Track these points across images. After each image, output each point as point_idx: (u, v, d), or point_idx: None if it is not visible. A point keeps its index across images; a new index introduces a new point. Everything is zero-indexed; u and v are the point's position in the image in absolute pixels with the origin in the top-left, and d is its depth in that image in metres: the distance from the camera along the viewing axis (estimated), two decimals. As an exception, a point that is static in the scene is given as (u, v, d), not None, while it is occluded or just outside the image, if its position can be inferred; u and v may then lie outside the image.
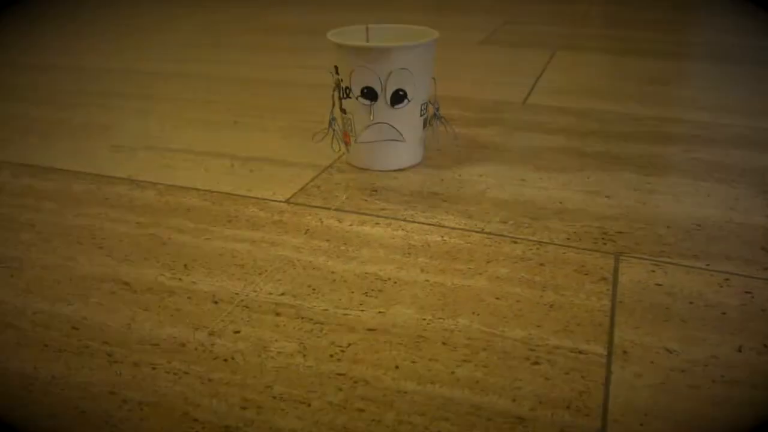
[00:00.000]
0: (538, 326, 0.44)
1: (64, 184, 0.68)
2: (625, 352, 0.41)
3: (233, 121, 0.86)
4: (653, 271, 0.50)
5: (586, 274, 0.50)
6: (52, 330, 0.44)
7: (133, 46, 1.33)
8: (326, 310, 0.46)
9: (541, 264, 0.51)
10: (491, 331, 0.43)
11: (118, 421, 0.36)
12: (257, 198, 0.64)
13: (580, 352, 0.41)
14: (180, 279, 0.50)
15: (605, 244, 0.54)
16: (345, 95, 0.66)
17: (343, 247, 0.54)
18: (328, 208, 0.61)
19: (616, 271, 0.50)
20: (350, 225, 0.58)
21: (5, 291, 0.49)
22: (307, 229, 0.57)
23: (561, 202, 0.62)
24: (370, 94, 0.65)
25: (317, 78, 1.06)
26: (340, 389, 0.39)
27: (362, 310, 0.46)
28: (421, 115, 0.68)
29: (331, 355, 0.41)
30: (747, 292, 0.47)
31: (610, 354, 0.41)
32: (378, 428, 0.36)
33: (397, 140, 0.67)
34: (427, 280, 0.49)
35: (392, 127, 0.66)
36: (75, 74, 1.12)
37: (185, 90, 1.01)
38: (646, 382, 0.39)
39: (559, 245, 0.54)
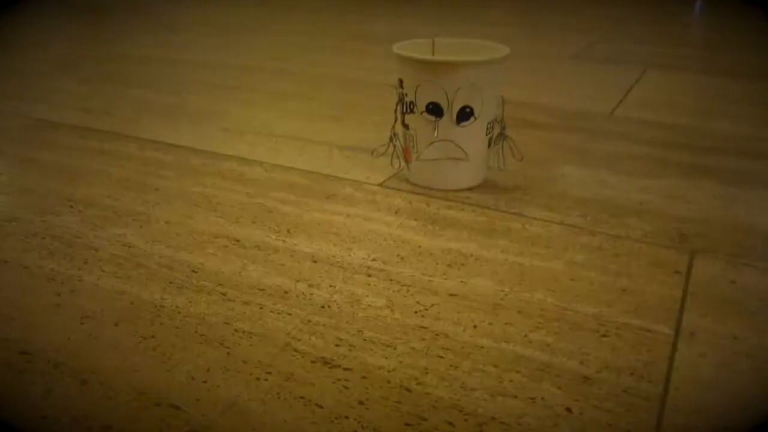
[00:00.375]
0: (609, 306, 0.47)
1: (183, 158, 0.76)
2: (692, 333, 0.44)
3: (331, 115, 0.93)
4: (727, 270, 0.52)
5: (660, 267, 0.52)
6: (174, 271, 0.51)
7: (232, 44, 1.44)
8: (412, 275, 0.51)
9: (616, 255, 0.54)
10: (564, 306, 0.47)
11: (231, 344, 0.42)
12: (353, 180, 0.69)
13: (648, 331, 0.44)
14: (284, 240, 0.56)
15: (682, 242, 0.56)
16: (409, 110, 0.65)
17: (430, 226, 0.59)
18: (418, 193, 0.66)
19: (690, 266, 0.53)
20: (437, 208, 0.63)
21: (136, 238, 0.57)
22: (398, 210, 0.62)
23: (641, 204, 0.64)
24: (435, 109, 0.63)
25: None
26: (423, 339, 0.43)
27: (445, 279, 0.50)
28: (486, 134, 0.66)
29: (416, 312, 0.46)
30: (821, 295, 0.49)
31: (677, 334, 0.44)
32: (455, 372, 0.40)
33: (460, 159, 0.65)
34: (507, 259, 0.53)
35: (456, 145, 0.64)
36: (182, 66, 1.23)
37: (287, 86, 1.09)
38: (709, 361, 0.41)
39: (636, 240, 0.57)
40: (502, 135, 0.68)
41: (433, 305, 0.47)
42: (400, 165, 0.73)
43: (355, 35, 1.59)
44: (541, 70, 1.22)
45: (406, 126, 0.66)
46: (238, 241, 0.56)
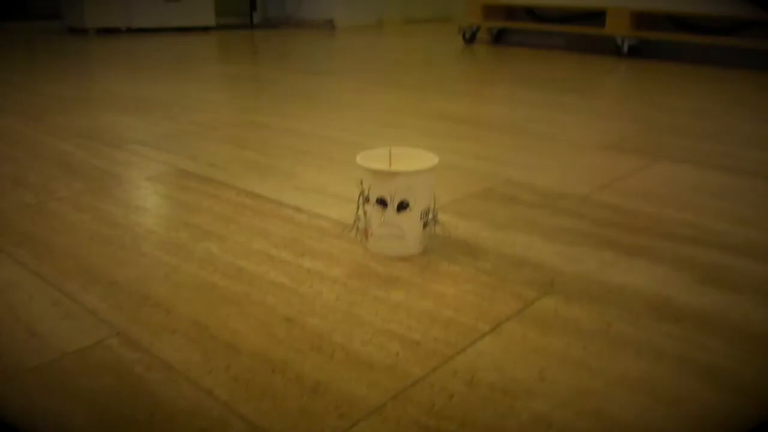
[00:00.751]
0: (463, 316, 0.78)
1: (260, 203, 1.16)
2: (500, 331, 0.74)
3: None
4: (559, 305, 0.81)
5: (514, 297, 0.82)
6: (239, 271, 0.89)
7: (332, 117, 1.85)
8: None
9: (493, 287, 0.85)
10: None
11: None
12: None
13: (473, 327, 0.75)
14: (292, 258, 0.92)
15: (546, 287, 0.86)
16: (366, 200, 0.91)
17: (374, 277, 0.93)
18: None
19: (536, 299, 0.82)
20: (385, 266, 0.96)
21: (216, 250, 0.96)
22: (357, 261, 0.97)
23: (539, 261, 0.93)
24: (382, 202, 0.89)
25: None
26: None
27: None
28: (420, 219, 0.92)
29: (350, 304, 0.80)
30: None
31: (491, 331, 0.74)
32: (352, 333, 0.73)
33: (400, 237, 0.92)
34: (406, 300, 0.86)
35: (398, 226, 0.91)
36: (284, 134, 1.65)
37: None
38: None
39: (515, 283, 0.87)
40: (434, 220, 0.95)
41: (362, 302, 0.81)
42: (362, 239, 0.97)
43: (433, 115, 1.96)
44: (561, 156, 1.51)
45: (365, 212, 0.93)
46: (273, 257, 0.93)
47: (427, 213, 0.93)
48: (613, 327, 0.76)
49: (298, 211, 1.12)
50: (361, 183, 0.91)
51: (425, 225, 0.93)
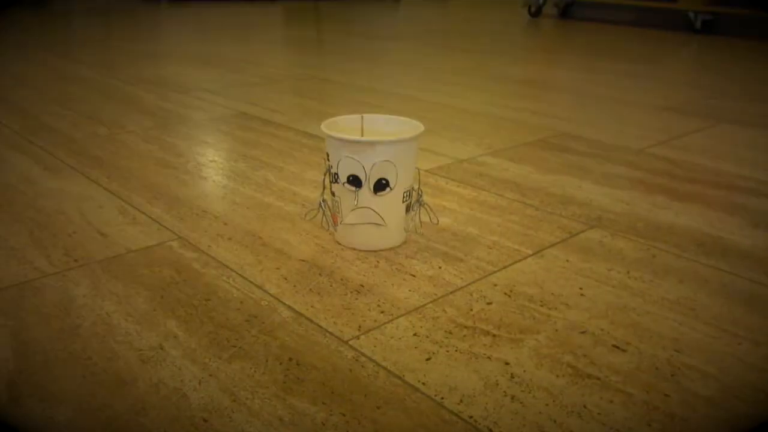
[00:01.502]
0: (509, 240, 0.80)
1: (314, 141, 1.19)
2: (542, 255, 0.75)
3: (431, 130, 1.31)
4: (605, 236, 0.81)
5: (559, 228, 0.83)
6: (285, 192, 0.93)
7: (386, 74, 1.87)
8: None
9: (540, 220, 0.86)
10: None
11: (296, 223, 0.83)
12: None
13: (517, 250, 0.76)
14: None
15: (592, 221, 0.86)
16: (334, 180, 0.73)
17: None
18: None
19: (580, 231, 0.83)
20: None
21: (272, 177, 1.00)
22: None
23: (590, 200, 0.94)
24: (355, 181, 0.71)
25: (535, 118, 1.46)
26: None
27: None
28: (403, 201, 0.74)
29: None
30: None
31: (534, 253, 0.76)
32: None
33: (378, 224, 0.73)
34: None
35: (375, 211, 0.72)
36: (349, 88, 1.68)
37: (408, 108, 1.49)
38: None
39: (560, 216, 0.87)
40: (419, 202, 0.77)
41: (408, 224, 0.83)
42: (329, 228, 0.81)
43: (495, 77, 1.95)
44: (621, 115, 1.49)
45: (333, 193, 0.74)
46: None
47: (410, 193, 0.75)
48: (658, 258, 0.76)
49: (353, 150, 1.15)
50: (327, 158, 0.74)
51: (408, 208, 0.76)
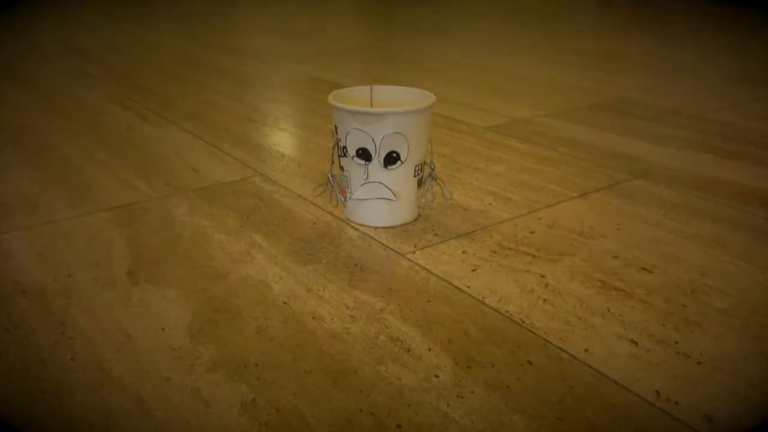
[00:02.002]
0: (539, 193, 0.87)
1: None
2: (586, 197, 0.82)
3: (469, 90, 1.38)
4: (648, 187, 0.87)
5: (606, 177, 0.89)
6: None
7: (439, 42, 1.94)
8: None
9: (582, 168, 0.92)
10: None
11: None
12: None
13: (561, 193, 0.83)
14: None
15: (634, 172, 0.92)
16: (342, 154, 0.70)
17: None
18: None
19: (619, 181, 0.89)
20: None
21: (341, 129, 1.10)
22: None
23: (631, 150, 0.99)
24: (364, 154, 0.68)
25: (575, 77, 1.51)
26: (448, 177, 0.88)
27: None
28: (415, 176, 0.71)
29: (454, 170, 0.91)
30: None
31: (579, 197, 0.82)
32: (452, 188, 0.84)
33: (389, 199, 0.71)
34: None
35: (385, 186, 0.70)
36: (398, 54, 1.76)
37: (458, 74, 1.56)
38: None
39: (600, 166, 0.94)
40: (431, 176, 0.74)
41: (464, 169, 0.91)
42: (338, 203, 0.79)
43: (560, 49, 1.99)
44: (685, 84, 1.51)
45: (341, 168, 0.72)
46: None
47: (421, 167, 0.73)
48: (696, 204, 0.82)
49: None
50: (335, 131, 0.71)
51: (420, 183, 0.74)
